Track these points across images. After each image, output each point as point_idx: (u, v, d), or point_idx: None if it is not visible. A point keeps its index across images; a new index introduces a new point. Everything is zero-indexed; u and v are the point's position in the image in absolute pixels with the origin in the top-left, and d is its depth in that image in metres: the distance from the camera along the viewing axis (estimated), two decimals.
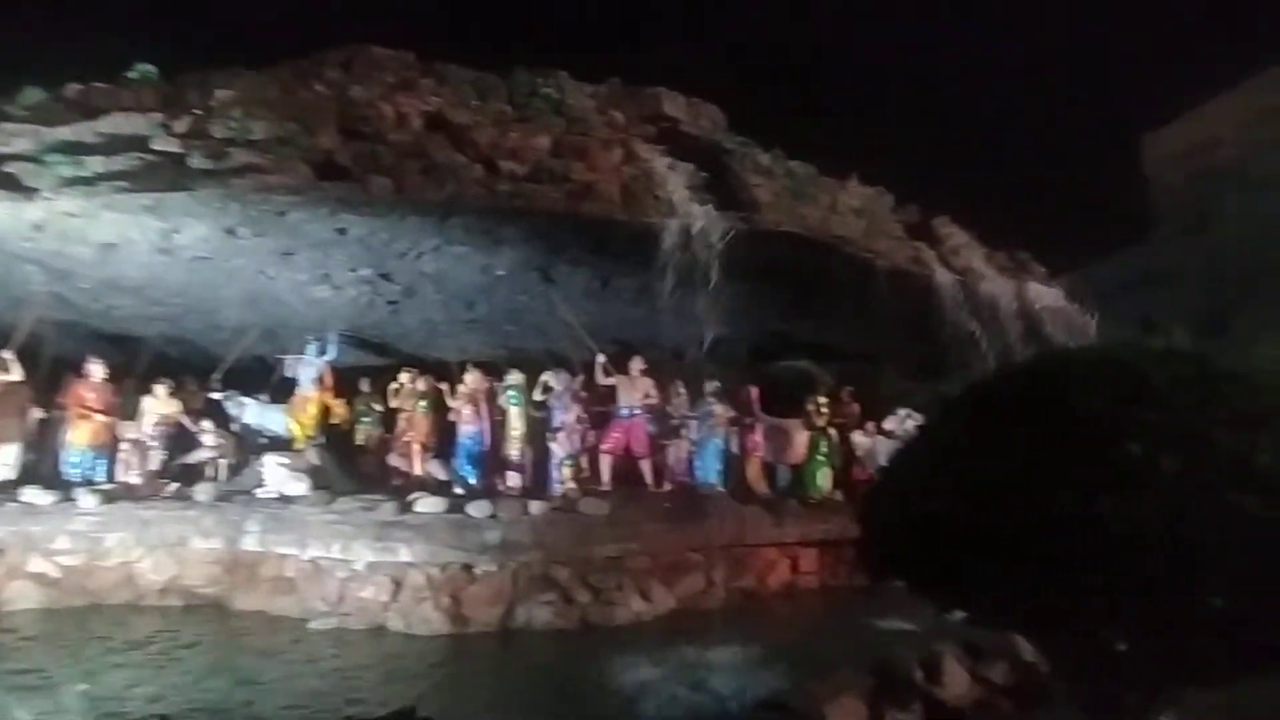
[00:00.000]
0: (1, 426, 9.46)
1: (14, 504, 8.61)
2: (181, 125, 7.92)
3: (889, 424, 11.52)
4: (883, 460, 11.22)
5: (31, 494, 8.69)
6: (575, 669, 6.69)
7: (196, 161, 7.44)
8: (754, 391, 10.86)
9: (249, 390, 11.32)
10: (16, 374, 9.43)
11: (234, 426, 11.03)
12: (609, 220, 7.78)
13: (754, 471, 10.72)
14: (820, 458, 10.95)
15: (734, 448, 10.70)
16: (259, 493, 9.22)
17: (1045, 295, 10.91)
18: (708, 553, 8.98)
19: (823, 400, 11.24)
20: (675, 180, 8.19)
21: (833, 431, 11.26)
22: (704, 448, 10.13)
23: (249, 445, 10.92)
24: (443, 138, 7.92)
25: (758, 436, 10.78)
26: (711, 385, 10.29)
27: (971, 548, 2.22)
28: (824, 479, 10.91)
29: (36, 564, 8.39)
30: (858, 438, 11.42)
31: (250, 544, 8.47)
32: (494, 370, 10.67)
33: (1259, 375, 2.22)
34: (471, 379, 10.00)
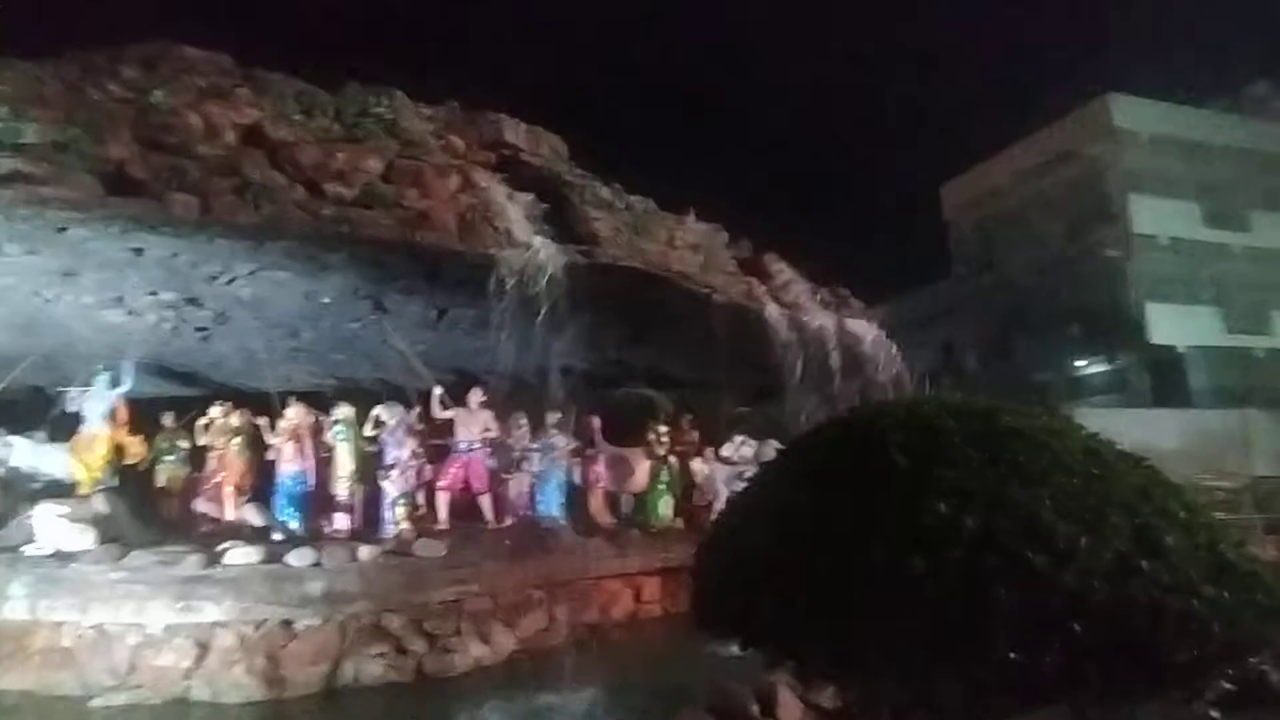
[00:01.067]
0: None
1: None
2: None
3: (726, 450, 11.92)
4: (720, 486, 11.62)
5: None
6: None
7: None
8: (596, 422, 10.86)
9: (20, 427, 9.81)
10: None
11: None
12: (444, 250, 7.49)
13: (597, 502, 10.71)
14: (661, 486, 11.12)
15: (576, 479, 10.63)
16: (28, 549, 7.95)
17: (861, 328, 11.82)
18: (550, 589, 8.81)
19: (663, 429, 11.45)
20: (514, 211, 8.06)
21: (673, 459, 11.48)
22: (546, 480, 9.98)
23: (18, 492, 9.43)
24: (260, 154, 7.31)
25: (600, 467, 10.79)
26: (553, 416, 10.18)
27: (797, 601, 2.29)
28: (665, 507, 11.08)
29: None
30: (696, 465, 11.72)
31: (15, 611, 7.26)
32: (321, 403, 9.94)
33: (1039, 433, 2.48)
34: (294, 413, 9.22)
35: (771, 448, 12.05)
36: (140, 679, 6.94)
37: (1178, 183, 24.12)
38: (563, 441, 10.15)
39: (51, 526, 8.15)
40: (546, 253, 7.71)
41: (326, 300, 8.48)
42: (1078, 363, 24.59)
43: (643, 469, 11.30)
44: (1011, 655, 1.99)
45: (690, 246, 9.48)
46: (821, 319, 10.79)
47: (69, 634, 7.21)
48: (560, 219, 8.32)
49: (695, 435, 12.38)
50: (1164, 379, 21.78)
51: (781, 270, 10.81)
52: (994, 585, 2.04)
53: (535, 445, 10.12)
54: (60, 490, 9.14)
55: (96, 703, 6.69)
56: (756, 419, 14.31)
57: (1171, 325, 22.36)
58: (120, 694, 6.80)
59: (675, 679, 6.53)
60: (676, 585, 10.06)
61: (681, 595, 10.06)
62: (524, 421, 10.41)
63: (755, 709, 4.53)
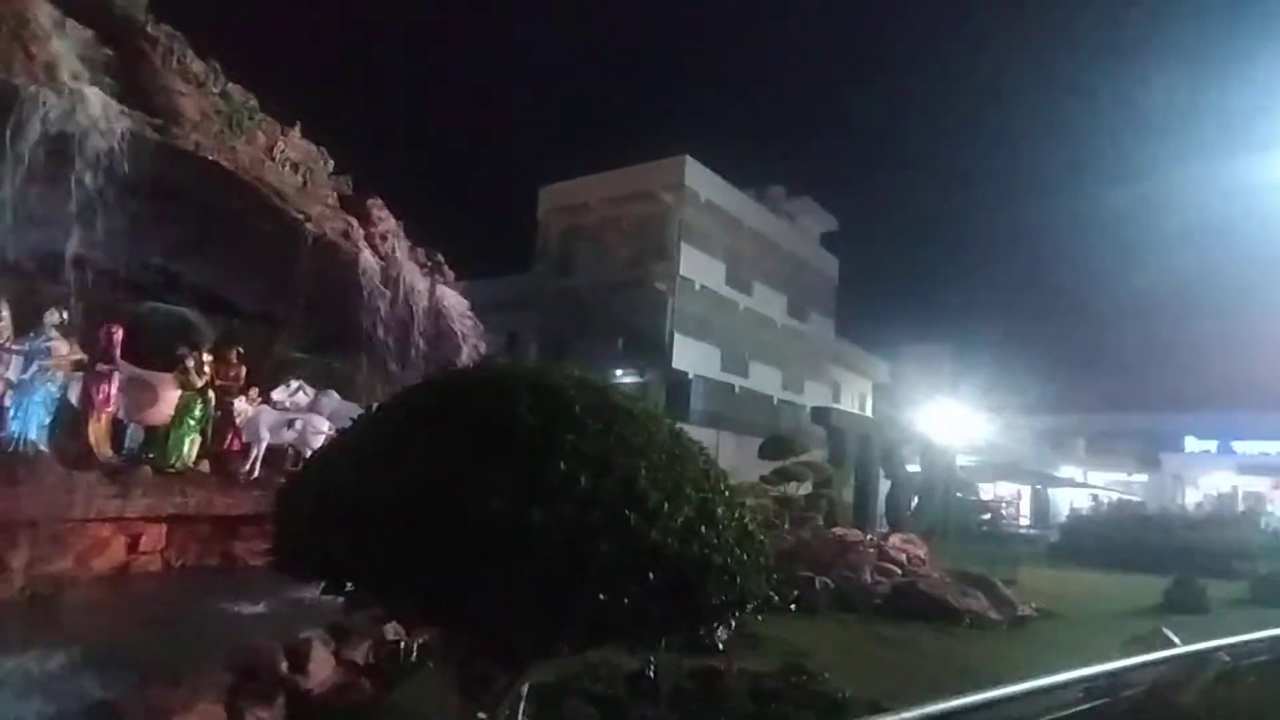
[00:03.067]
0: None
1: None
2: None
3: (277, 394, 10.82)
4: (264, 431, 10.51)
5: None
6: None
7: None
8: (117, 333, 8.85)
9: None
10: None
11: None
12: None
13: (99, 430, 8.69)
14: (191, 422, 9.55)
15: (73, 397, 8.53)
16: None
17: (450, 297, 11.91)
18: (9, 530, 6.92)
19: (207, 358, 9.89)
20: (62, 43, 6.18)
21: (211, 394, 10.00)
22: (28, 393, 7.78)
23: None
24: None
25: (112, 388, 8.78)
26: (54, 315, 8.03)
27: (402, 545, 2.23)
28: (190, 446, 9.54)
29: None
30: (240, 404, 10.40)
31: None
32: None
33: (641, 413, 2.86)
34: None
35: (332, 398, 11.36)
36: None
37: (715, 243, 29.80)
38: (64, 349, 8.04)
39: None
40: (102, 109, 6.08)
41: None
42: (617, 371, 28.46)
43: (169, 399, 9.59)
44: (601, 597, 2.26)
45: (291, 164, 8.44)
46: (415, 279, 10.59)
47: None
48: (131, 78, 6.64)
49: (242, 371, 10.99)
50: (674, 397, 26.55)
51: (384, 218, 10.31)
52: (597, 538, 2.29)
53: (19, 346, 7.84)
54: None
55: None
56: (312, 366, 13.36)
57: (689, 355, 27.52)
58: None
59: (182, 640, 5.67)
60: (187, 536, 8.82)
61: (192, 547, 8.86)
62: (5, 314, 7.99)
63: (284, 665, 4.20)
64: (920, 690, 5.86)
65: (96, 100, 6.14)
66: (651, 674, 4.60)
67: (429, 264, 11.88)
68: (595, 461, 2.44)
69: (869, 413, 36.57)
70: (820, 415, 21.27)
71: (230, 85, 7.91)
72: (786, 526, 14.11)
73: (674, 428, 3.04)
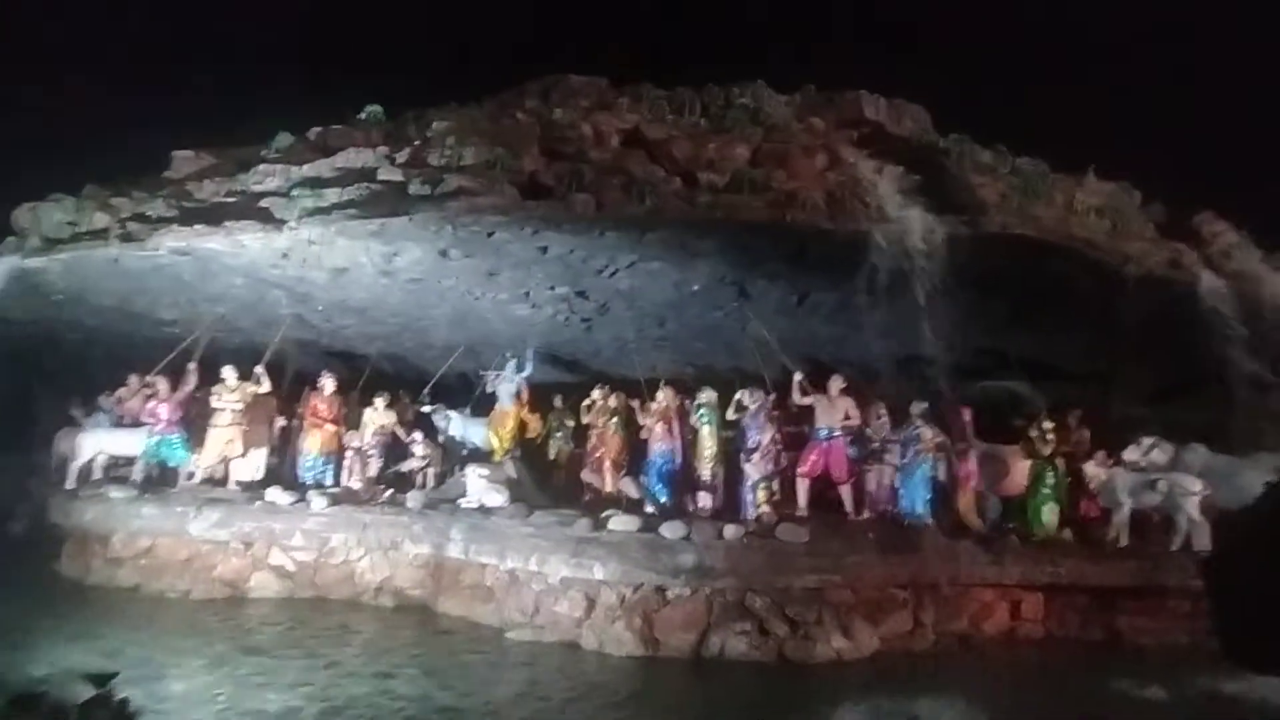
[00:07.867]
0: (252, 433, 10.60)
1: (260, 503, 9.58)
2: (403, 156, 8.53)
3: (1129, 454, 9.96)
4: (1122, 496, 9.75)
5: (274, 494, 9.64)
6: (772, 708, 6.25)
7: (415, 188, 7.93)
8: (967, 414, 9.81)
9: (454, 404, 11.96)
10: (265, 387, 10.53)
11: (440, 438, 11.66)
12: (815, 229, 7.33)
13: (966, 502, 9.65)
14: (1045, 490, 9.67)
15: (942, 475, 9.74)
16: (462, 502, 9.60)
17: None
18: (915, 590, 8.21)
19: (1048, 426, 9.95)
20: (885, 185, 7.60)
21: (1059, 461, 9.94)
22: (910, 474, 9.27)
23: (453, 456, 11.49)
24: (641, 153, 7.90)
25: (971, 464, 9.70)
26: (919, 406, 9.44)
27: None
28: (1049, 514, 9.62)
29: (276, 557, 9.29)
30: (1090, 469, 9.98)
31: (454, 551, 8.82)
32: (683, 388, 10.51)
33: None
34: (664, 396, 9.85)
35: (1198, 453, 9.83)
36: (542, 620, 7.96)
37: None
38: (929, 434, 9.34)
39: (476, 485, 9.74)
40: (924, 224, 7.13)
41: (695, 288, 8.91)
42: None
43: (1020, 469, 9.98)
44: None
45: (1094, 210, 8.08)
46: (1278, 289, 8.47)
47: (490, 574, 8.56)
48: (938, 189, 7.63)
49: (1085, 435, 10.61)
50: None
51: (1220, 232, 8.70)
52: None
53: (897, 436, 9.50)
54: (480, 457, 10.92)
55: (511, 635, 7.82)
56: (1153, 424, 11.86)
57: None
58: (527, 631, 7.86)
59: (1066, 714, 5.53)
60: (1065, 606, 8.79)
61: (1071, 618, 8.75)
62: (884, 411, 9.85)
63: None
64: None
65: (916, 218, 7.25)
66: None
67: None
68: None
69: None
70: None
71: (1018, 160, 8.24)
72: None
73: None
